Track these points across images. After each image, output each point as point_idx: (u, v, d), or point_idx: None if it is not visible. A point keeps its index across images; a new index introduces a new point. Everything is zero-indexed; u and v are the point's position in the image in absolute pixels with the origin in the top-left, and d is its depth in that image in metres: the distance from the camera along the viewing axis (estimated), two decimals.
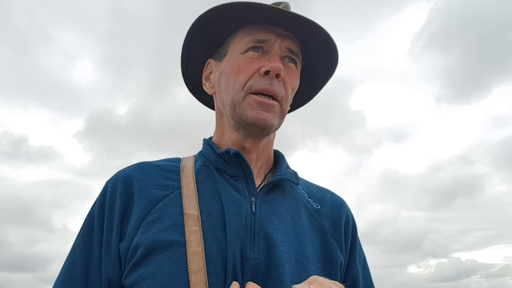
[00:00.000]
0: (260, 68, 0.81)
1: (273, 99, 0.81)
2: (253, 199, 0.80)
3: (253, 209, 0.78)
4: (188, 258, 0.70)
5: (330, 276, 0.77)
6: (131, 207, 0.78)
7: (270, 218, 0.78)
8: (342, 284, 0.68)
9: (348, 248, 0.88)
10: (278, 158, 0.94)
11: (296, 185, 0.89)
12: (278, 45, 0.83)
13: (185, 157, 0.92)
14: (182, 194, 0.80)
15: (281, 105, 0.83)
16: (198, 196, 0.79)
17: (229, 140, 0.87)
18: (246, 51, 0.84)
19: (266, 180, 0.87)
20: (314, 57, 0.92)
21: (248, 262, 0.72)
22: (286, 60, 0.85)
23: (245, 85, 0.81)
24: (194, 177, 0.83)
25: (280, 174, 0.85)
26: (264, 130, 0.82)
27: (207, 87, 0.94)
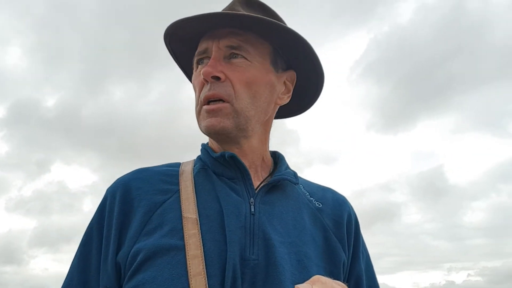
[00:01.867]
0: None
1: (223, 101, 0.80)
2: (252, 200, 0.79)
3: (252, 209, 0.77)
4: (188, 262, 0.70)
5: (333, 275, 0.77)
6: (130, 214, 0.78)
7: (269, 219, 0.78)
8: (345, 283, 0.68)
9: (351, 246, 0.87)
10: (278, 159, 0.93)
11: (296, 184, 0.88)
12: (216, 47, 0.82)
13: (185, 162, 0.92)
14: (181, 197, 0.79)
15: (232, 104, 0.79)
16: (196, 199, 0.79)
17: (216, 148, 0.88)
18: (197, 67, 0.86)
19: (266, 181, 0.85)
20: (287, 51, 0.88)
21: (248, 263, 0.71)
22: (233, 57, 0.82)
23: (198, 99, 0.83)
24: (193, 180, 0.83)
25: (279, 174, 0.85)
26: (221, 135, 0.81)
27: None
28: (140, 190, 0.81)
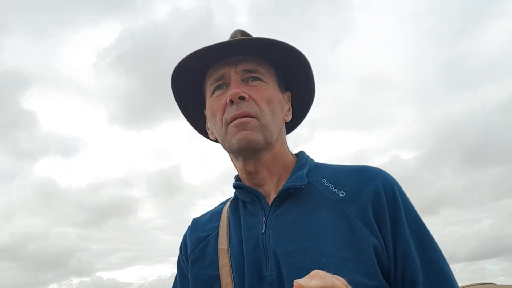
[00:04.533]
0: (226, 100, 0.87)
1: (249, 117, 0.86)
2: (264, 219, 0.86)
3: (263, 229, 0.84)
4: None
5: (363, 263, 0.75)
6: (186, 249, 0.97)
7: (279, 232, 0.82)
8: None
9: (388, 226, 0.81)
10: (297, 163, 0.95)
11: (303, 187, 0.87)
12: (234, 72, 0.89)
13: (231, 197, 1.02)
14: (219, 231, 0.92)
15: (259, 120, 0.86)
16: (229, 230, 0.90)
17: (239, 171, 0.96)
18: (213, 93, 0.92)
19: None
20: (287, 64, 0.96)
21: (266, 280, 0.78)
22: (250, 80, 0.90)
23: (222, 121, 0.89)
24: (227, 214, 0.95)
25: (287, 182, 0.87)
26: (252, 148, 0.86)
27: (210, 136, 1.03)
28: (194, 228, 1.00)
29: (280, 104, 0.93)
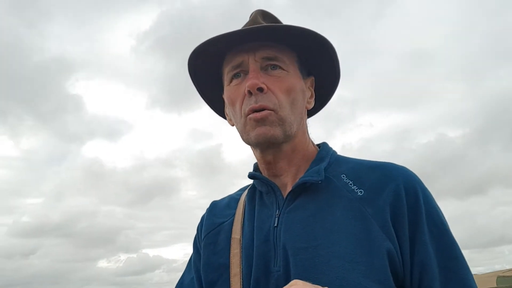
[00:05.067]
0: (244, 91, 0.84)
1: (268, 110, 0.83)
2: (277, 212, 0.84)
3: (275, 222, 0.82)
4: (230, 280, 0.82)
5: (375, 267, 0.73)
6: (201, 232, 0.99)
7: (291, 228, 0.80)
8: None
9: (406, 230, 0.76)
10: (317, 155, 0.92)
11: (319, 182, 0.84)
12: (253, 60, 0.85)
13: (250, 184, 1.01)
14: (234, 219, 0.92)
15: (277, 112, 0.83)
16: (243, 219, 0.90)
17: (257, 159, 0.94)
18: (231, 81, 0.89)
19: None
20: (309, 49, 0.91)
21: (272, 275, 0.77)
22: (270, 68, 0.86)
23: (241, 112, 0.86)
24: (244, 203, 0.95)
25: (303, 177, 0.85)
26: (270, 143, 0.84)
27: (229, 122, 1.00)
28: (210, 213, 1.00)
29: (301, 93, 0.90)
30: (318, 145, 0.98)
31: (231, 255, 0.84)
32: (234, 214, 0.93)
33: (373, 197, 0.80)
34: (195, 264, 0.97)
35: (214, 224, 0.95)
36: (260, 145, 0.86)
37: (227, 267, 0.84)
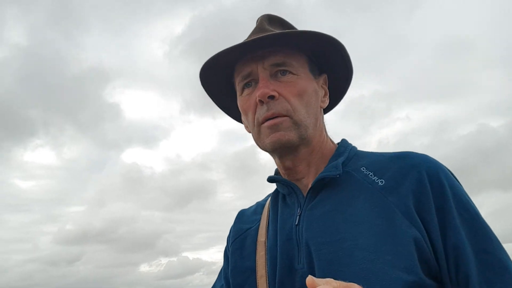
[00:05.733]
0: (255, 100, 0.85)
1: (281, 116, 0.83)
2: (299, 210, 0.85)
3: (297, 220, 0.83)
4: (257, 281, 0.83)
5: (400, 255, 0.70)
6: (229, 241, 1.01)
7: (312, 224, 0.80)
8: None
9: (433, 216, 0.75)
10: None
11: (337, 176, 0.83)
12: (262, 68, 0.85)
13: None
14: (260, 224, 0.94)
15: (291, 117, 0.83)
16: (268, 223, 0.92)
17: (277, 165, 0.95)
18: (242, 91, 0.90)
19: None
20: (322, 50, 0.90)
21: (297, 273, 0.78)
22: (280, 74, 0.86)
23: (254, 121, 0.87)
24: (269, 207, 0.96)
25: (322, 173, 0.85)
26: (287, 148, 0.85)
27: (245, 129, 1.00)
28: (238, 220, 1.03)
29: (314, 94, 0.90)
30: (338, 142, 0.97)
31: (257, 257, 0.86)
32: (260, 219, 0.95)
33: (394, 186, 0.78)
34: (225, 271, 0.99)
35: (241, 230, 0.98)
36: (277, 151, 0.86)
37: (253, 269, 0.86)
